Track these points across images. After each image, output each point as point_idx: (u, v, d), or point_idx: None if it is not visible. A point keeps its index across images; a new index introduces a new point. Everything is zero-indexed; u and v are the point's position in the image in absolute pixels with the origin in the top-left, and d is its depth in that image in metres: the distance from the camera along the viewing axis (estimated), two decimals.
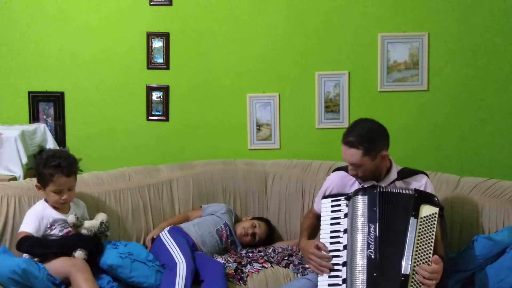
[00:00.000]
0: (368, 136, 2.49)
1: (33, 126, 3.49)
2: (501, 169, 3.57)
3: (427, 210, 2.40)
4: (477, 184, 3.02)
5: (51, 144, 3.51)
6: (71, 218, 2.73)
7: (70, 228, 2.76)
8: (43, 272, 2.49)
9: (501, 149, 3.61)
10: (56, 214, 2.76)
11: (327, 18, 3.60)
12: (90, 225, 2.77)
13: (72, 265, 2.58)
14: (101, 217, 2.86)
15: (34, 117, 3.66)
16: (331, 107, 3.66)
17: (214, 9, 3.61)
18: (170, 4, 3.60)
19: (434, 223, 2.38)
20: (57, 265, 2.58)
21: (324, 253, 2.46)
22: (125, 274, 2.69)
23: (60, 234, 2.73)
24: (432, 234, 2.36)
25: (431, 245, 2.35)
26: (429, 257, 2.33)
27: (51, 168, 2.70)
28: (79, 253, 2.66)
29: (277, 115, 3.68)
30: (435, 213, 2.40)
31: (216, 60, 3.65)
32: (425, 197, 2.45)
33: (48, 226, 2.72)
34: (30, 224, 2.70)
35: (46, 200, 2.80)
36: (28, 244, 2.62)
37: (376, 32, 3.58)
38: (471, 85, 3.60)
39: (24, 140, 3.27)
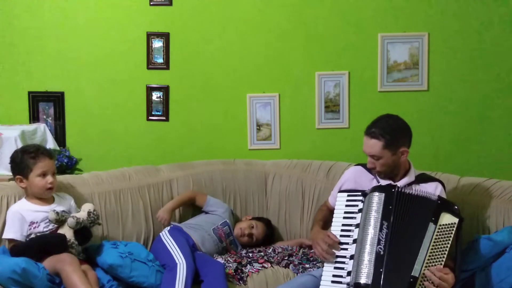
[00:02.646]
0: (391, 130, 2.51)
1: (33, 126, 3.49)
2: (501, 169, 3.57)
3: (447, 219, 2.39)
4: (477, 184, 3.02)
5: (51, 144, 3.50)
6: (51, 215, 2.67)
7: (56, 225, 2.70)
8: (42, 271, 2.49)
9: (501, 149, 3.61)
10: (37, 208, 2.72)
11: (327, 18, 3.60)
12: (79, 216, 2.74)
13: (58, 261, 2.57)
14: (87, 207, 2.81)
15: (34, 117, 3.66)
16: (331, 107, 3.66)
17: (214, 9, 3.61)
18: (170, 4, 3.60)
19: (451, 233, 2.37)
20: (47, 265, 2.57)
21: (334, 240, 2.47)
22: (125, 274, 2.69)
23: (46, 230, 2.70)
24: (448, 243, 2.36)
25: (444, 254, 2.34)
26: (441, 264, 2.33)
27: (32, 153, 2.70)
28: (71, 221, 2.66)
29: (277, 115, 3.68)
30: (455, 223, 2.39)
31: (216, 60, 3.65)
32: (447, 206, 2.45)
33: (29, 224, 2.68)
34: (11, 228, 2.67)
35: (27, 196, 2.77)
36: (15, 254, 2.60)
37: (376, 32, 3.58)
38: (471, 85, 3.60)
39: (24, 140, 3.27)
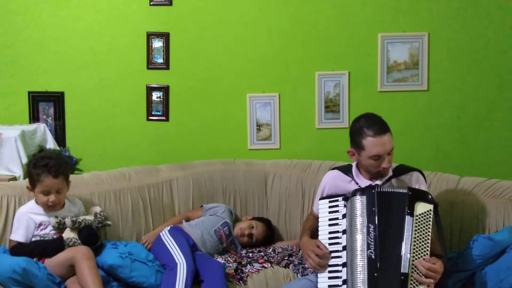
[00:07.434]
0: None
1: (33, 126, 3.49)
2: (501, 169, 3.57)
3: (422, 208, 2.40)
4: (477, 184, 3.02)
5: (51, 144, 3.51)
6: (52, 220, 2.70)
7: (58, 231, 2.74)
8: (43, 271, 2.50)
9: (501, 149, 3.61)
10: (45, 213, 2.74)
11: (327, 18, 3.60)
12: (81, 218, 2.77)
13: (77, 251, 2.60)
14: (94, 210, 2.87)
15: (34, 117, 3.66)
16: (331, 107, 3.66)
17: (214, 9, 3.61)
18: (170, 4, 3.60)
19: (429, 220, 2.38)
20: (63, 254, 2.60)
21: (324, 251, 2.47)
22: (125, 274, 2.70)
23: (53, 233, 2.73)
24: (428, 232, 2.36)
25: (428, 242, 2.35)
26: (427, 254, 2.33)
27: (39, 168, 2.68)
28: (68, 221, 2.69)
29: (277, 115, 3.68)
30: (430, 210, 2.40)
31: (216, 60, 3.65)
32: (419, 195, 2.45)
33: (38, 225, 2.72)
34: (17, 230, 2.71)
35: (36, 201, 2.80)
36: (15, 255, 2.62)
37: (376, 32, 3.58)
38: (471, 85, 3.60)
39: (24, 140, 3.27)
